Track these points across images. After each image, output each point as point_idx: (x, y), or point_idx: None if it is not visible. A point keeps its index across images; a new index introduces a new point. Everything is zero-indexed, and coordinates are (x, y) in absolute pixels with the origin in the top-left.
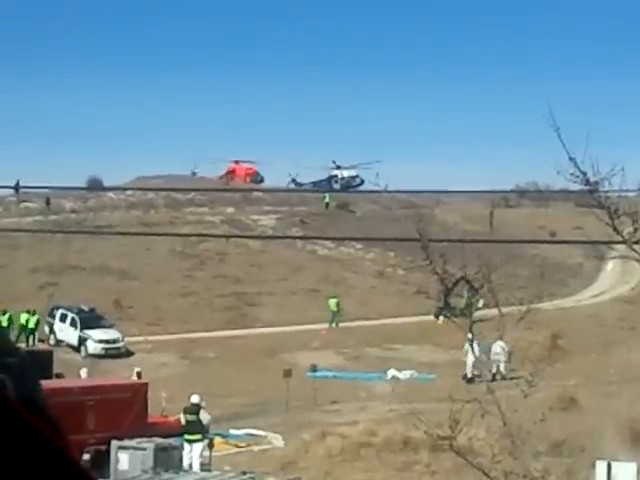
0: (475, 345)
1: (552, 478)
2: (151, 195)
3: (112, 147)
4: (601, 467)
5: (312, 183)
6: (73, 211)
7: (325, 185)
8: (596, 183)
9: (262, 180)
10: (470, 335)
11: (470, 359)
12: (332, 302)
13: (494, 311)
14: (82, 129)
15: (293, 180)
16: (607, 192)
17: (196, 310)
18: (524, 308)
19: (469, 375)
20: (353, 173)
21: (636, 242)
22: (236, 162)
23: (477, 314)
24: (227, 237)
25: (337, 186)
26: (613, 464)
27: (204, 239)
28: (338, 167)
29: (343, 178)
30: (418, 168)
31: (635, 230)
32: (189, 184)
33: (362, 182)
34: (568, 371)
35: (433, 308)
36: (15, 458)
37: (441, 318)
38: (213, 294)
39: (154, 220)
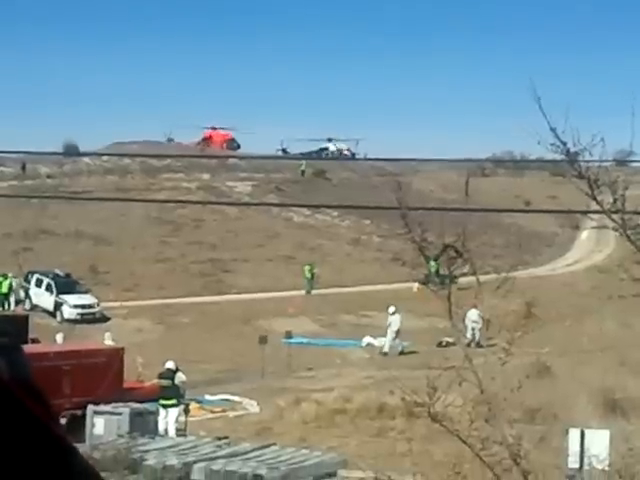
0: (396, 318)
1: (525, 445)
2: (127, 161)
3: (88, 112)
4: (574, 434)
5: (302, 154)
6: (49, 176)
7: (316, 157)
8: (576, 153)
9: (238, 147)
10: (393, 309)
11: (390, 333)
12: (307, 269)
13: (470, 279)
14: (59, 94)
15: (283, 150)
16: (588, 162)
17: (172, 276)
18: (500, 276)
19: (385, 349)
20: (344, 147)
21: (615, 212)
22: (212, 128)
23: (461, 281)
24: (203, 203)
25: None
26: (586, 431)
27: (180, 205)
28: (329, 140)
29: (334, 152)
30: (395, 136)
31: (615, 200)
32: (165, 150)
33: (353, 156)
34: (542, 339)
35: (409, 275)
36: (7, 438)
37: (415, 285)
38: (189, 260)
39: (130, 186)
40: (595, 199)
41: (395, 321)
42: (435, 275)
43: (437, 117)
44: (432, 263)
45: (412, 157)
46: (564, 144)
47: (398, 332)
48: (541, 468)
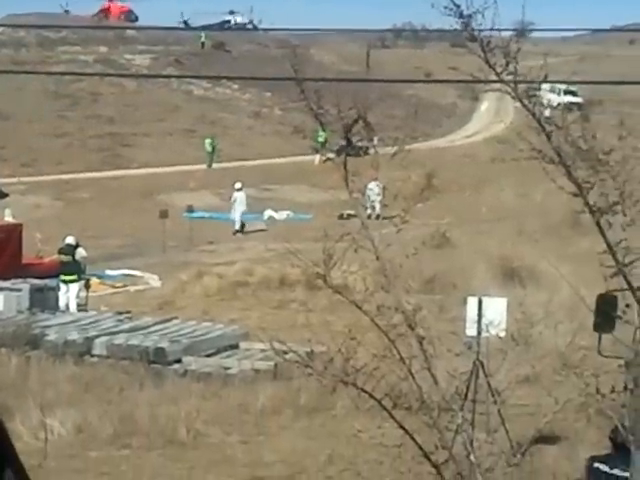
0: (242, 194)
1: (424, 313)
2: (22, 33)
3: None
4: (472, 302)
5: (203, 27)
6: None
7: (217, 30)
8: (469, 16)
9: (136, 19)
10: (239, 184)
11: (238, 211)
12: (208, 142)
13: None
14: None
15: (184, 22)
16: (483, 30)
17: (70, 151)
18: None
19: (237, 227)
20: (246, 19)
21: (511, 80)
22: (110, 0)
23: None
24: (101, 75)
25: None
26: (484, 299)
27: (77, 78)
28: (232, 12)
29: (236, 23)
30: (294, 5)
31: (507, 64)
32: (61, 22)
33: (255, 28)
34: (442, 210)
35: (310, 149)
36: None
37: (317, 158)
38: (87, 135)
39: (25, 59)
40: (487, 62)
41: (241, 197)
42: (322, 144)
43: None
44: (320, 133)
45: (312, 27)
46: (457, 7)
47: (245, 208)
48: (437, 334)
